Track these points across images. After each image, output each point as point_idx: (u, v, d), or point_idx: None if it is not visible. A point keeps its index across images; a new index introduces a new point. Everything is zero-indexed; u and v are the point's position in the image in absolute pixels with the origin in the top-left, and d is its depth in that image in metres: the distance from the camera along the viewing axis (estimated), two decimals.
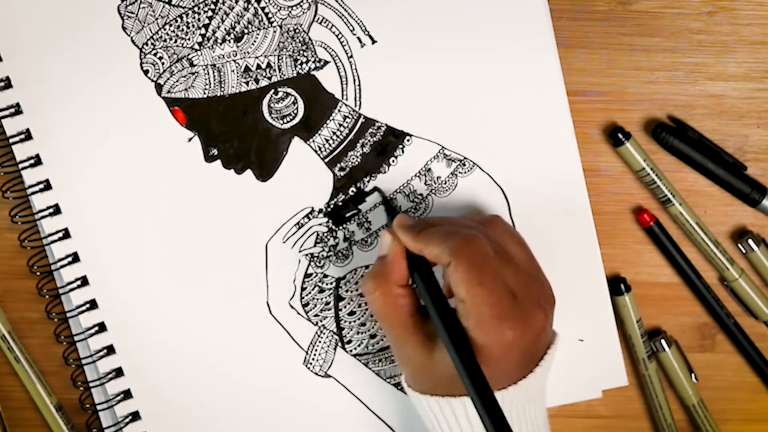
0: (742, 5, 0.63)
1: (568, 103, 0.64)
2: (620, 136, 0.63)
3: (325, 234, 0.65)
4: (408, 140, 0.64)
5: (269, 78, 0.62)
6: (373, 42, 0.62)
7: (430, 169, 0.64)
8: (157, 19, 0.61)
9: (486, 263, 0.54)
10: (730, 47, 0.64)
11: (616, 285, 0.66)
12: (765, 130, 0.65)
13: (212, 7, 0.61)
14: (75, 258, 0.64)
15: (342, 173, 0.64)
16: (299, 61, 0.62)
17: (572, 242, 0.65)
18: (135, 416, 0.66)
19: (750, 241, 0.66)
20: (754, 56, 0.64)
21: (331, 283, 0.65)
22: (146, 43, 0.62)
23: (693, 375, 0.68)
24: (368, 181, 0.64)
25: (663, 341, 0.67)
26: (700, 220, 0.65)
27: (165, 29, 0.61)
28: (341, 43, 0.62)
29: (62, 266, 0.64)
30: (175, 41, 0.61)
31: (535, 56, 0.63)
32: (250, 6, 0.61)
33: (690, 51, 0.64)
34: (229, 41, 0.62)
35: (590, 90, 0.65)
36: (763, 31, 0.64)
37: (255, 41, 0.62)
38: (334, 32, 0.62)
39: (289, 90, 0.62)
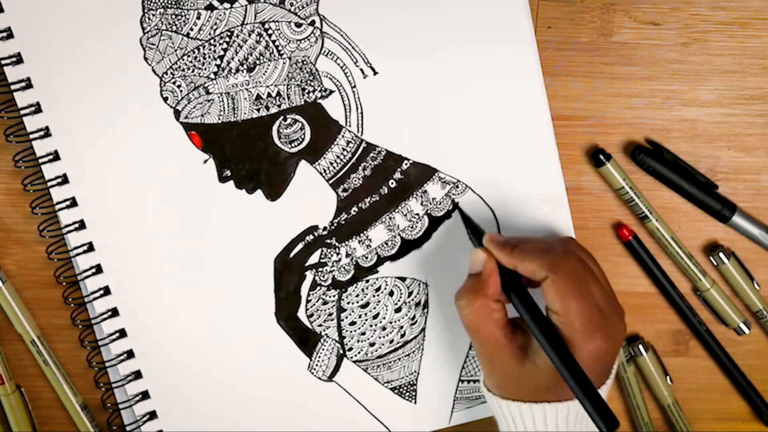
0: (714, 37, 0.65)
1: (553, 127, 0.65)
2: (601, 157, 0.65)
3: (329, 250, 0.66)
4: (406, 164, 0.65)
5: (279, 105, 0.63)
6: (375, 73, 0.64)
7: (426, 191, 0.65)
8: (176, 50, 0.62)
9: (579, 279, 0.56)
10: (703, 76, 0.66)
11: None
12: (735, 152, 0.67)
13: (227, 39, 0.62)
14: (98, 269, 0.65)
15: (345, 194, 0.65)
16: (306, 90, 0.63)
17: None
18: (152, 415, 0.67)
19: (721, 254, 0.67)
20: (725, 84, 0.66)
21: (334, 296, 0.67)
22: (166, 73, 0.63)
23: (668, 377, 0.70)
24: (369, 202, 0.65)
25: (641, 346, 0.69)
26: (675, 235, 0.67)
27: (183, 60, 0.62)
28: (345, 74, 0.63)
29: (86, 277, 0.65)
30: (193, 71, 0.62)
31: (522, 85, 0.64)
32: (261, 39, 0.62)
33: (666, 79, 0.65)
34: (243, 71, 0.62)
35: (573, 115, 0.66)
36: (733, 61, 0.65)
37: (266, 71, 0.63)
38: (339, 64, 0.63)
39: (297, 117, 0.64)
